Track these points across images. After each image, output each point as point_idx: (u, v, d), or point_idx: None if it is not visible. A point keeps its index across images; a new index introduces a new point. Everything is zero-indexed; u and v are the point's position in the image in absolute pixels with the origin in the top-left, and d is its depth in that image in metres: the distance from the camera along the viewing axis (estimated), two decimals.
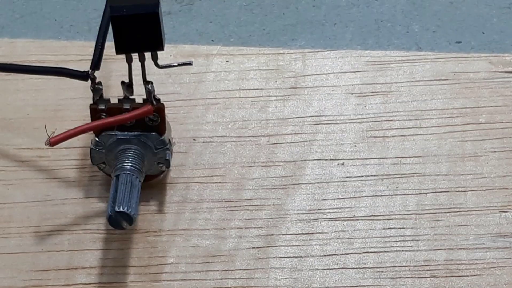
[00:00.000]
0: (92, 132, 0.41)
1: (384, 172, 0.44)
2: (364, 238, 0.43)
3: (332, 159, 0.45)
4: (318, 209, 0.43)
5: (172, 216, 0.43)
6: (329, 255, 0.42)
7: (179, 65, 0.40)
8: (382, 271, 0.42)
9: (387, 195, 0.43)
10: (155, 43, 0.38)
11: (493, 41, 0.49)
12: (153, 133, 0.41)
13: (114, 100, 0.41)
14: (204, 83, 0.47)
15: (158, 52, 0.39)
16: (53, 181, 0.44)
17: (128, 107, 0.41)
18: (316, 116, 0.46)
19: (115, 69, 0.46)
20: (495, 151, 0.44)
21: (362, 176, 0.44)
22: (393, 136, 0.45)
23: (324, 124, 0.46)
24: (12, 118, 0.46)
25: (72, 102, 0.46)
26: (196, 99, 0.46)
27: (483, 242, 0.42)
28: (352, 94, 0.47)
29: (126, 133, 0.41)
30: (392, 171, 0.44)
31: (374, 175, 0.44)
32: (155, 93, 0.41)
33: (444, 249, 0.42)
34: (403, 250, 0.40)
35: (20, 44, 0.48)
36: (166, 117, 0.42)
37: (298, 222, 0.43)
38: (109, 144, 0.41)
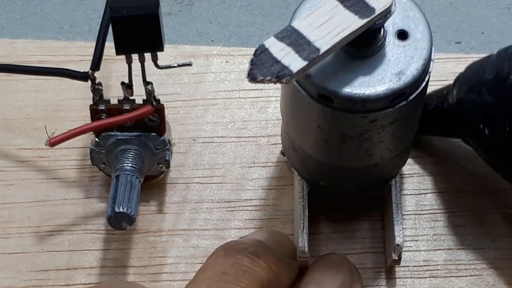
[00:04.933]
0: (92, 132, 0.41)
1: None
2: (363, 238, 0.43)
3: None
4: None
5: (172, 216, 0.43)
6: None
7: (179, 65, 0.40)
8: (381, 271, 0.42)
9: None
10: (155, 44, 0.38)
11: (493, 41, 0.49)
12: (153, 134, 0.41)
13: (114, 101, 0.41)
14: (204, 83, 0.47)
15: (158, 53, 0.39)
16: (53, 181, 0.44)
17: (128, 107, 0.41)
18: None
19: (115, 69, 0.46)
20: None
21: None
22: None
23: None
24: (13, 119, 0.46)
25: (72, 103, 0.46)
26: (196, 99, 0.46)
27: (482, 242, 0.42)
28: None
29: (126, 133, 0.41)
30: None
31: None
32: (155, 93, 0.41)
33: (444, 249, 0.42)
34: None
35: (20, 44, 0.48)
36: (166, 118, 0.42)
37: None
38: (109, 145, 0.41)
